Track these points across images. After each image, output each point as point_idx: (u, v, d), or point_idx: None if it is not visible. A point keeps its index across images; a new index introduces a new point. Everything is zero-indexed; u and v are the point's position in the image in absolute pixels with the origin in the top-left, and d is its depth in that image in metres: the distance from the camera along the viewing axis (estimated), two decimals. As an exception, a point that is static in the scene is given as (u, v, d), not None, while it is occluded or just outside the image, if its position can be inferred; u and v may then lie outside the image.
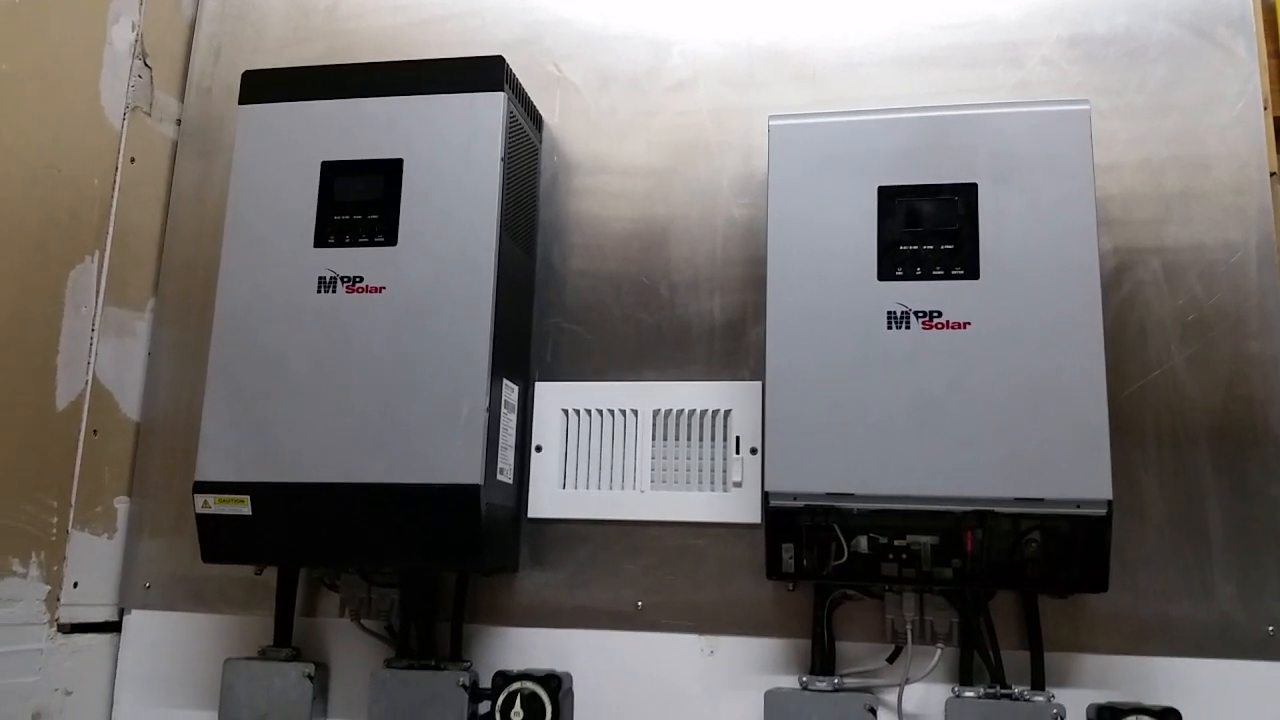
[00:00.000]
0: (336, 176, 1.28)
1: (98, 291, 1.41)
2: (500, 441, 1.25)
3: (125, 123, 1.46)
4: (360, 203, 1.27)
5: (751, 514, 1.27)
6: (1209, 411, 1.23)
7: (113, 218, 1.43)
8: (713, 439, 1.32)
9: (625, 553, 1.31)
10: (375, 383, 1.21)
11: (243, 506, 1.21)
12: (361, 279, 1.24)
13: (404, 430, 1.19)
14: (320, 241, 1.26)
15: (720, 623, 1.27)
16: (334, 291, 1.24)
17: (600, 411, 1.36)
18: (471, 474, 1.18)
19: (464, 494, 1.17)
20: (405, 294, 1.23)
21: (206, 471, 1.22)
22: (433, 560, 1.23)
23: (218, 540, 1.22)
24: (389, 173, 1.26)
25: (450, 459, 1.18)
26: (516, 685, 1.21)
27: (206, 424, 1.23)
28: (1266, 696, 1.14)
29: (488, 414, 1.19)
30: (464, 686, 1.22)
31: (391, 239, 1.25)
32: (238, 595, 1.37)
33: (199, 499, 1.21)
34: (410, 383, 1.20)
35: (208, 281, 1.30)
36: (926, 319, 1.14)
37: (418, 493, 1.18)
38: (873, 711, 1.15)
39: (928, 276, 1.15)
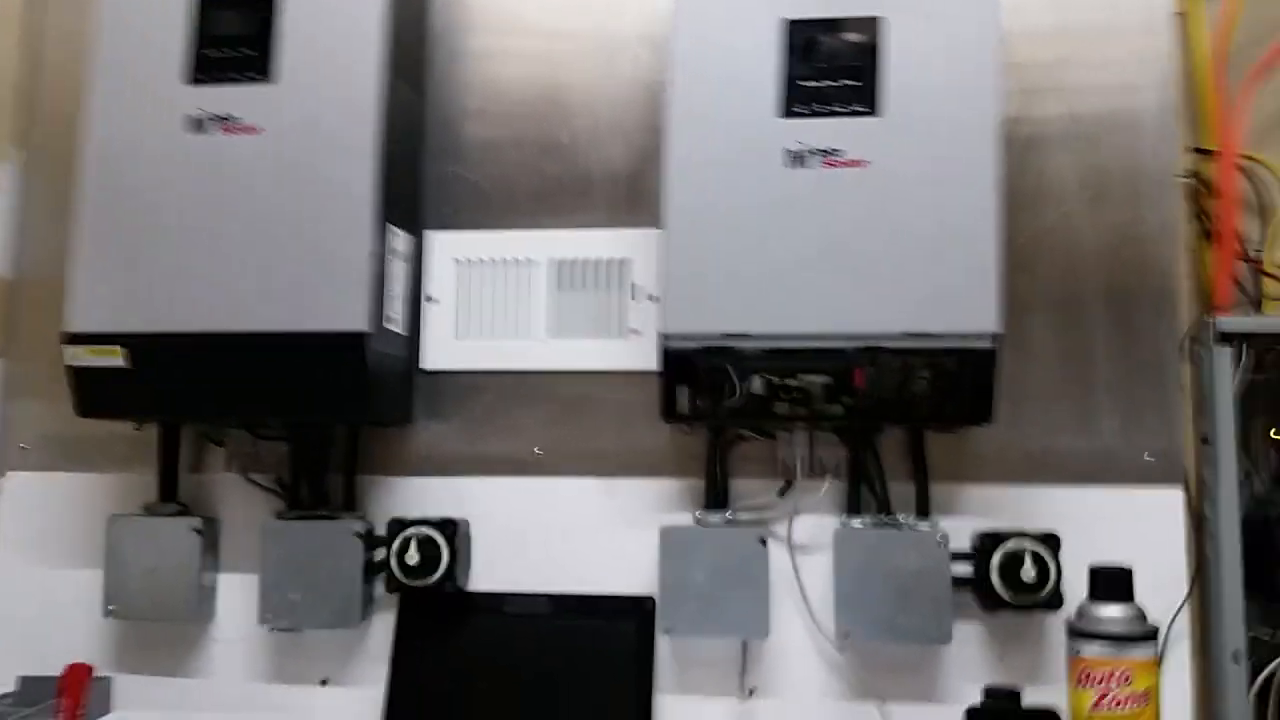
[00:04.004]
0: (207, 7, 1.19)
1: (-48, 139, 1.31)
2: (388, 290, 1.20)
3: (-28, -45, 1.34)
4: (234, 36, 1.18)
5: (649, 361, 1.24)
6: (1103, 253, 1.24)
7: (-37, 61, 1.32)
8: (610, 287, 1.30)
9: (523, 402, 1.29)
10: (254, 228, 1.15)
11: (117, 358, 1.16)
12: (237, 119, 1.17)
13: (285, 277, 1.14)
14: (191, 79, 1.18)
15: (618, 466, 1.27)
16: (207, 132, 1.17)
17: (495, 261, 1.32)
18: (357, 321, 1.14)
19: (349, 341, 1.14)
20: (284, 134, 1.16)
21: (76, 323, 1.16)
22: (319, 412, 1.20)
23: (93, 394, 1.17)
24: (263, 2, 1.18)
25: (335, 306, 1.14)
26: (412, 530, 1.20)
27: (75, 273, 1.16)
28: (1140, 519, 1.18)
29: (372, 259, 1.15)
30: (359, 535, 1.20)
31: (268, 76, 1.17)
32: (120, 452, 1.32)
33: (69, 350, 1.16)
34: (291, 228, 1.14)
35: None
36: (826, 157, 1.11)
37: (301, 342, 1.14)
38: (764, 542, 1.16)
39: (828, 114, 1.12)
